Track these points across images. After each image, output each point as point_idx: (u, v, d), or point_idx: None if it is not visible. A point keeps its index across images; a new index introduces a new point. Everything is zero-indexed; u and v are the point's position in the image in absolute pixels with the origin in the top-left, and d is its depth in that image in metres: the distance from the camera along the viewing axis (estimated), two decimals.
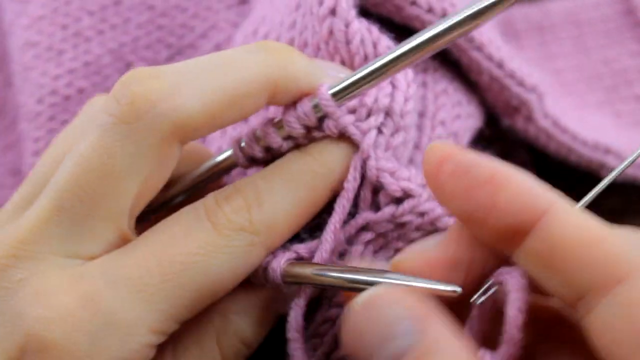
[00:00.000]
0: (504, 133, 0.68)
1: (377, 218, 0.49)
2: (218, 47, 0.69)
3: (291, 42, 0.55)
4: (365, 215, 0.49)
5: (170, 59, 0.69)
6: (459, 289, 0.41)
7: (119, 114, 0.43)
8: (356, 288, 0.43)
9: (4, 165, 0.73)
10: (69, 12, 0.69)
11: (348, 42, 0.50)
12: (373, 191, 0.49)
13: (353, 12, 0.50)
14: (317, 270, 0.46)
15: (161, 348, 0.45)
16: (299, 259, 0.48)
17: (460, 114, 0.59)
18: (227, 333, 0.48)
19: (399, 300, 0.39)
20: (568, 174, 0.71)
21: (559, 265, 0.37)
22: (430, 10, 0.56)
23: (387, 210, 0.49)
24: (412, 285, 0.41)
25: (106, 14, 0.69)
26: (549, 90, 0.66)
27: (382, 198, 0.49)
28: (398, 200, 0.49)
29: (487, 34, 0.58)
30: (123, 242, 0.45)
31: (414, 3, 0.55)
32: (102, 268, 0.43)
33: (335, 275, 0.45)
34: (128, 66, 0.69)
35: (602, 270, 0.36)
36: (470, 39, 0.57)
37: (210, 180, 0.52)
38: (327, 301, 0.51)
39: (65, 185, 0.44)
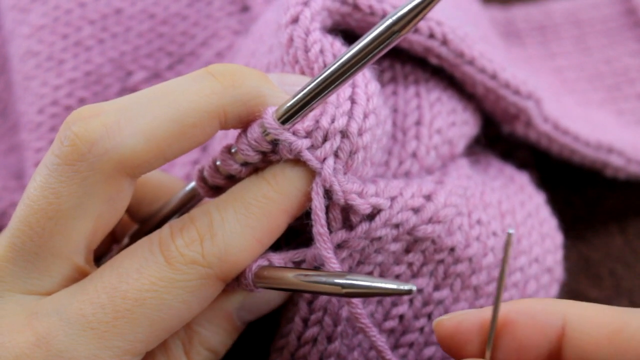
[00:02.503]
0: (505, 133, 0.67)
1: (352, 236, 0.48)
2: (219, 55, 0.69)
3: (267, 66, 0.55)
4: (341, 234, 0.48)
5: (171, 68, 0.69)
6: (414, 288, 0.43)
7: (62, 155, 0.44)
8: (321, 291, 0.45)
9: (7, 168, 0.73)
10: (69, 22, 0.69)
11: (307, 50, 0.50)
12: (342, 210, 0.48)
13: (316, 24, 0.50)
14: (289, 274, 0.46)
15: None
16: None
17: (456, 121, 0.58)
18: (192, 343, 0.49)
19: None
20: (571, 171, 0.71)
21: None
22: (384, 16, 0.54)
23: (361, 228, 0.48)
24: (369, 285, 0.43)
25: (107, 22, 0.69)
26: (547, 93, 0.65)
27: (353, 216, 0.48)
28: (370, 216, 0.48)
29: (478, 47, 0.58)
30: (81, 276, 0.46)
31: (372, 13, 0.54)
32: (57, 305, 0.44)
33: (304, 279, 0.45)
34: (129, 75, 0.69)
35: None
36: (461, 54, 0.57)
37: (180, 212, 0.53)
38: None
39: (17, 225, 0.45)
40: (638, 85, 0.78)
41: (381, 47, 0.43)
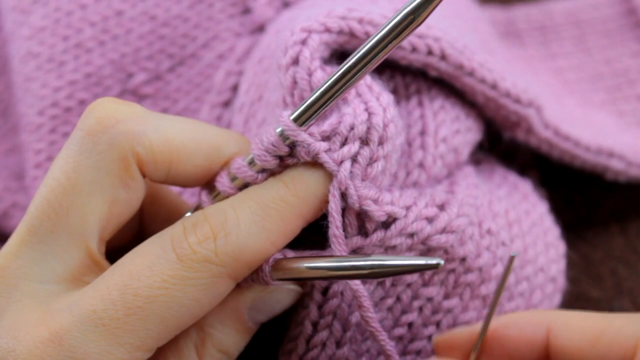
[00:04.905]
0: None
1: (367, 243, 0.48)
2: (220, 57, 0.69)
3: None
4: (356, 240, 0.48)
5: (172, 70, 0.69)
6: (442, 262, 0.43)
7: (86, 127, 0.46)
8: (345, 276, 0.45)
9: (8, 168, 0.72)
10: (70, 23, 0.69)
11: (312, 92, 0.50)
12: (358, 216, 0.48)
13: (316, 62, 0.50)
14: (306, 263, 0.46)
15: None
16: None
17: (460, 129, 0.58)
18: (205, 345, 0.49)
19: None
20: (572, 171, 0.71)
21: None
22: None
23: (376, 236, 0.48)
24: (395, 264, 0.43)
25: (108, 24, 0.69)
26: (547, 97, 0.65)
27: (368, 223, 0.48)
28: (385, 224, 0.48)
29: (477, 57, 0.58)
30: (92, 263, 0.47)
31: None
32: (70, 301, 0.44)
33: (324, 265, 0.46)
34: (129, 77, 0.69)
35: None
36: (460, 66, 0.56)
37: None
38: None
39: (35, 206, 0.46)
40: (638, 86, 0.78)
41: (396, 38, 0.44)
